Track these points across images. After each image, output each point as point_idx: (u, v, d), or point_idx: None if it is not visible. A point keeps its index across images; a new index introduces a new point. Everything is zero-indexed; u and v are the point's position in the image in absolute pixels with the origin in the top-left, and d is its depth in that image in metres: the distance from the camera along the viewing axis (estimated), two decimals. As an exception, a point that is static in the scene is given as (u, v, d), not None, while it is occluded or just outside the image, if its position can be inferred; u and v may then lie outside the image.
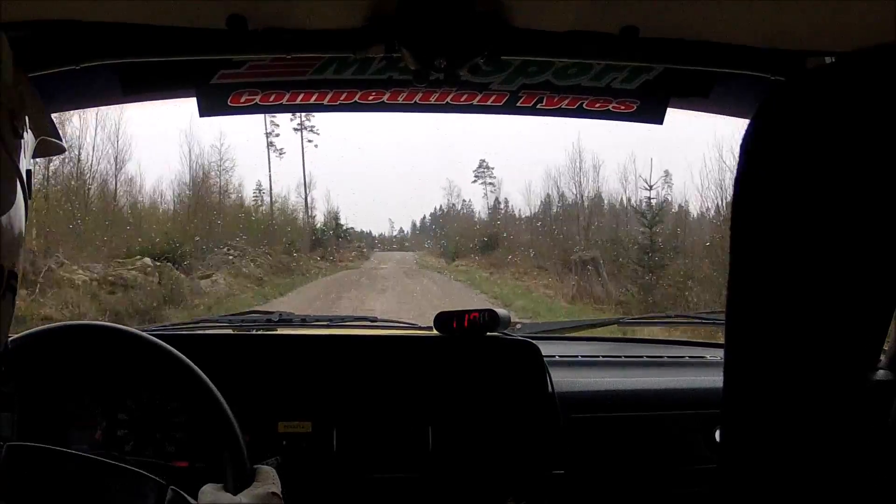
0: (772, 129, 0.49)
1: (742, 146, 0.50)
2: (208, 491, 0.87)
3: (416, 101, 1.25)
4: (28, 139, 0.67)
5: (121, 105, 1.26)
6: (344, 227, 18.85)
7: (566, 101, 1.26)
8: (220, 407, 0.99)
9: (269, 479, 0.94)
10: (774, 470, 0.49)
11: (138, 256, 10.31)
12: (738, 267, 0.50)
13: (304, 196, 17.97)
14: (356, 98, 1.24)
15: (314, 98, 1.23)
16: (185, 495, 0.83)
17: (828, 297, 0.47)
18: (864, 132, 0.45)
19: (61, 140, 0.75)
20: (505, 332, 1.46)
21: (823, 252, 0.46)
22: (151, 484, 0.82)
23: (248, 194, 16.24)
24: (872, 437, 0.51)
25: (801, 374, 0.48)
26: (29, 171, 0.66)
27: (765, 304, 0.49)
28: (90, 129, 11.92)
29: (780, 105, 0.49)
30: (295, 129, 16.81)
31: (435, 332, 1.42)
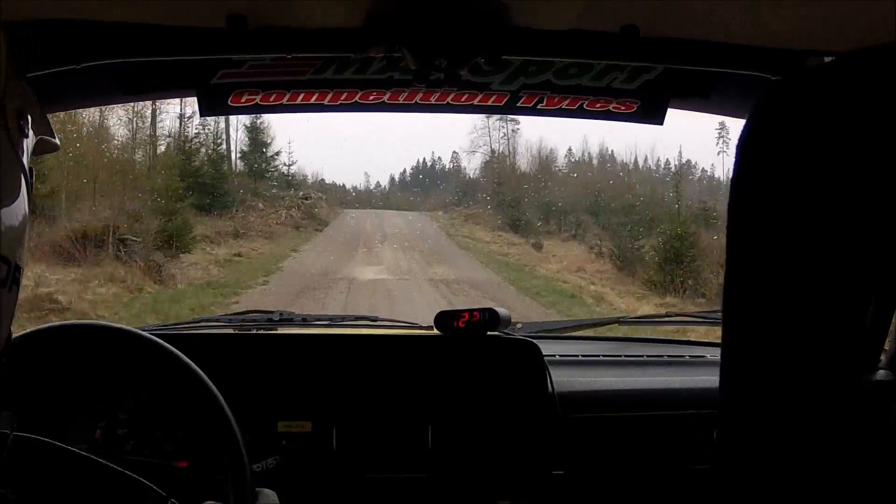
0: (768, 127, 0.49)
1: (738, 145, 0.50)
2: None
3: (416, 101, 1.25)
4: (31, 137, 0.69)
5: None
6: (281, 160, 9.92)
7: (566, 102, 1.26)
8: (219, 407, 0.99)
9: (269, 501, 0.94)
10: (771, 470, 0.49)
11: None
12: (735, 265, 0.50)
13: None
14: (357, 98, 1.24)
15: (314, 98, 1.23)
16: None
17: (826, 297, 0.47)
18: (860, 131, 0.45)
19: (55, 138, 0.77)
20: (505, 331, 1.46)
21: (821, 251, 0.46)
22: (152, 494, 0.82)
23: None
24: (872, 437, 0.50)
25: (800, 373, 0.48)
26: (31, 169, 0.68)
27: (762, 303, 0.49)
28: None
29: (776, 104, 0.49)
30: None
31: (435, 331, 1.42)
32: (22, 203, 0.65)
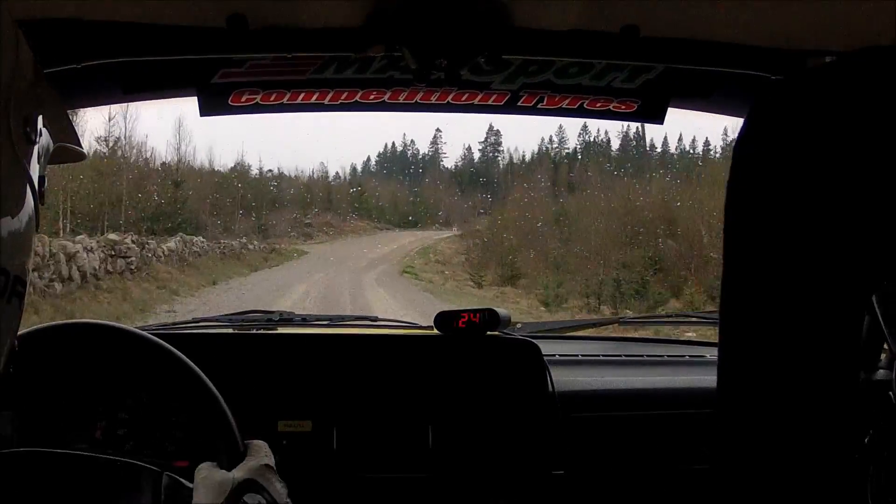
0: (766, 127, 0.49)
1: (736, 144, 0.50)
2: (203, 468, 0.87)
3: (416, 101, 1.25)
4: (43, 144, 0.66)
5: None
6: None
7: (567, 101, 1.26)
8: (219, 407, 0.99)
9: (261, 453, 0.94)
10: (768, 469, 0.49)
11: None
12: (732, 265, 0.50)
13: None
14: (357, 97, 1.24)
15: (315, 97, 1.24)
16: (180, 479, 0.84)
17: (824, 297, 0.47)
18: (859, 131, 0.45)
19: (81, 146, 0.75)
20: (505, 331, 1.46)
21: (820, 251, 0.46)
22: (146, 473, 0.82)
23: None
24: (870, 436, 0.51)
25: (797, 373, 0.48)
26: (42, 178, 0.66)
27: (759, 302, 0.49)
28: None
29: (774, 104, 0.49)
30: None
31: (435, 331, 1.42)
32: (26, 213, 0.63)
